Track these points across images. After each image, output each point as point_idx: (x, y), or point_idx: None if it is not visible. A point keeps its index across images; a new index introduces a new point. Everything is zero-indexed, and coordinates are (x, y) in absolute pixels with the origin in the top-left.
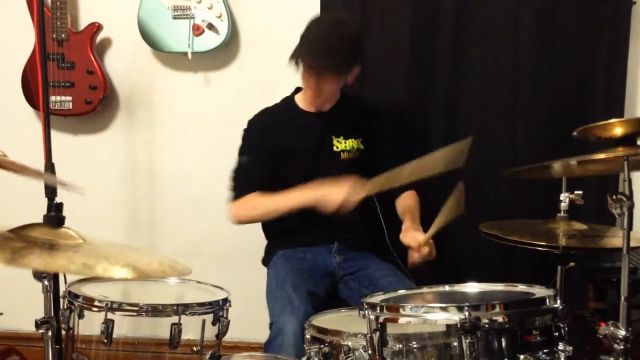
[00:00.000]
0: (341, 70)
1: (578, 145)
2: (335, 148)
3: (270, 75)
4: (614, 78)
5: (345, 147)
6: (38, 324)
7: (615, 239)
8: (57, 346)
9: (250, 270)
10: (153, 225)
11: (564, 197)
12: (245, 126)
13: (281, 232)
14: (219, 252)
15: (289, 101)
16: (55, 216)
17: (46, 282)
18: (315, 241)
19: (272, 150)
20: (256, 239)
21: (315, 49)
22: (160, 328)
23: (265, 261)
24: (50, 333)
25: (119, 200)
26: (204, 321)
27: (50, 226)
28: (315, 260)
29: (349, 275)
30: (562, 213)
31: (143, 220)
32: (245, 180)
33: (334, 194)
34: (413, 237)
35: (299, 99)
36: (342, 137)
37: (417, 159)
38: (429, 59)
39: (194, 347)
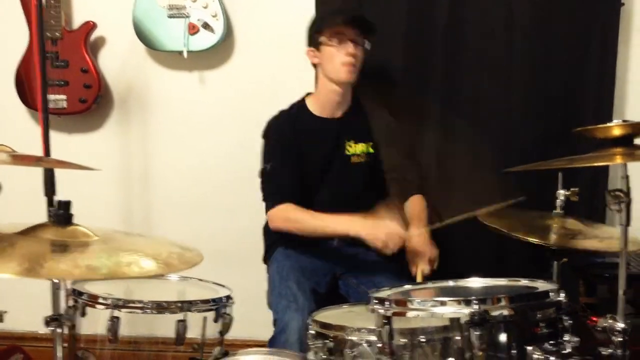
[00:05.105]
0: (368, 29)
1: (569, 143)
2: (346, 152)
3: (265, 74)
4: (604, 79)
5: (356, 151)
6: (48, 322)
7: (608, 241)
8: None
9: (247, 269)
10: (149, 224)
11: (560, 194)
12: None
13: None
14: (216, 251)
15: (300, 106)
16: (63, 214)
17: (55, 280)
18: (315, 238)
19: (294, 154)
20: (253, 238)
21: (338, 11)
22: (159, 326)
23: (266, 258)
24: (59, 330)
25: (114, 199)
26: (205, 318)
27: (59, 225)
28: (316, 257)
29: (348, 272)
30: (558, 209)
31: (138, 219)
32: (277, 187)
33: (380, 231)
34: (413, 260)
35: (311, 105)
36: (353, 142)
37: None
38: (424, 58)
39: (195, 345)
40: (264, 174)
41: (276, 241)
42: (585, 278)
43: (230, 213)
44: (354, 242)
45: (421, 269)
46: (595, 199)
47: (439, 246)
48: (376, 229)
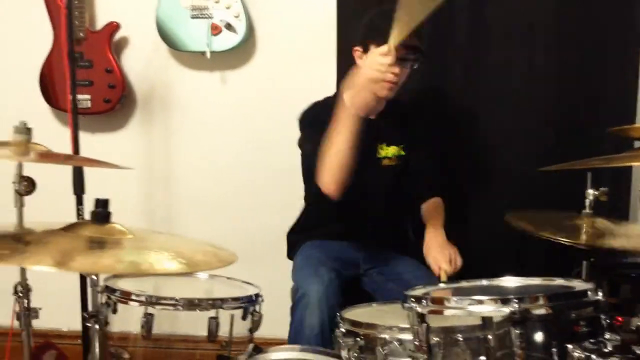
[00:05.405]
0: (419, 50)
1: (589, 143)
2: (378, 154)
3: (286, 74)
4: (625, 79)
5: (387, 153)
6: (86, 318)
7: (636, 239)
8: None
9: (269, 268)
10: (170, 224)
11: (589, 193)
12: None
13: (308, 226)
14: (237, 250)
15: (336, 101)
16: (101, 212)
17: (94, 277)
18: (341, 235)
19: None
20: (274, 237)
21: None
22: (182, 324)
23: (291, 254)
24: (97, 327)
25: (136, 198)
26: (232, 316)
27: (97, 223)
28: (341, 252)
29: (374, 269)
30: (587, 209)
31: (160, 219)
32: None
33: (361, 78)
34: (435, 259)
35: (349, 101)
36: (385, 144)
37: None
38: (445, 61)
39: (223, 342)
40: (307, 156)
41: (300, 240)
42: (610, 278)
43: (251, 212)
44: (379, 240)
45: (444, 269)
46: (618, 199)
47: (460, 245)
48: (366, 85)
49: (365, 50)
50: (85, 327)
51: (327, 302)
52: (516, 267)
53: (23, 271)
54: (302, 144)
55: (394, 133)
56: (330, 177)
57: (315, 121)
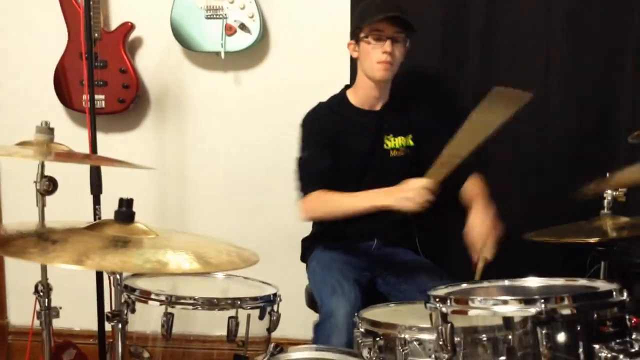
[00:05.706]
0: (408, 26)
1: (604, 144)
2: (385, 146)
3: (299, 75)
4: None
5: (395, 145)
6: (109, 317)
7: None
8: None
9: (283, 268)
10: (184, 224)
11: (608, 194)
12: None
13: (320, 228)
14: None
15: (340, 98)
16: (126, 211)
17: (117, 276)
18: (355, 236)
19: (330, 144)
20: (288, 237)
21: (378, 8)
22: (195, 323)
23: (304, 257)
24: (120, 325)
25: (149, 197)
26: (249, 315)
27: (122, 222)
28: (356, 255)
29: (388, 271)
30: (605, 210)
31: (174, 219)
32: (311, 175)
33: (405, 198)
34: (473, 244)
35: (351, 96)
36: (392, 135)
37: (460, 130)
38: (459, 62)
39: (240, 342)
40: (299, 164)
41: (317, 240)
42: (625, 278)
43: (265, 212)
44: (393, 242)
45: (483, 256)
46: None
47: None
48: (400, 192)
49: (357, 40)
50: (101, 327)
51: (353, 318)
52: (524, 269)
53: (44, 270)
54: (301, 147)
55: (400, 123)
56: (316, 215)
57: (315, 128)
